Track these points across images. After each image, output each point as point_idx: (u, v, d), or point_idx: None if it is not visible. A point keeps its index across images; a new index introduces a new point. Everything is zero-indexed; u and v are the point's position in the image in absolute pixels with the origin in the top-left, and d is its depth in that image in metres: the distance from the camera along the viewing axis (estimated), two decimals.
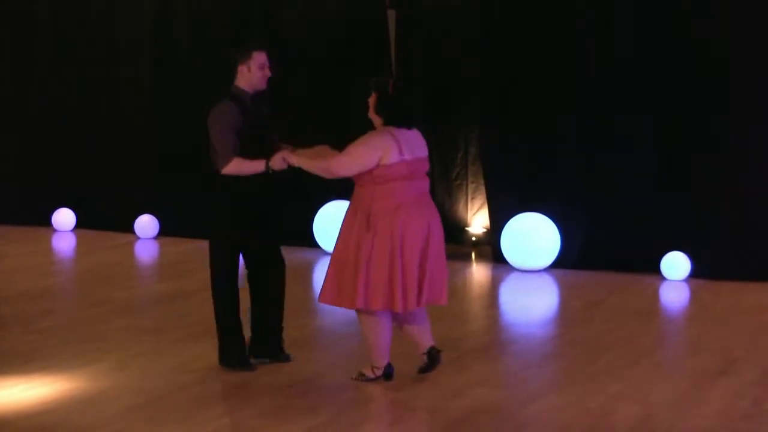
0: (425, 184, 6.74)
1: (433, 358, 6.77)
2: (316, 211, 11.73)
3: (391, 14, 12.25)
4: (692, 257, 10.43)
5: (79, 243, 12.84)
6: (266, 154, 6.88)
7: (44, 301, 9.38)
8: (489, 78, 11.39)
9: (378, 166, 6.49)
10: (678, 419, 6.16)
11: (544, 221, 10.91)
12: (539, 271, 10.93)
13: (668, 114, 10.63)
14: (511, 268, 11.02)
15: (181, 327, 8.34)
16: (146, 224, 12.92)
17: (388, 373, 6.79)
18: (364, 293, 6.50)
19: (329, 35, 12.13)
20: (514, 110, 11.25)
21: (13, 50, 13.91)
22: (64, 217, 13.40)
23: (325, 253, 11.74)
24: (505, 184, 11.36)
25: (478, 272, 11.25)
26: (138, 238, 12.90)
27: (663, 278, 10.46)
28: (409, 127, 6.74)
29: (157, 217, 12.97)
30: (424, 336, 6.83)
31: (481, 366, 7.33)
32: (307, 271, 11.16)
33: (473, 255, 11.88)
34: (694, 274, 10.43)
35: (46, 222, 13.47)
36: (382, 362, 6.78)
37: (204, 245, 12.26)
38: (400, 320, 6.78)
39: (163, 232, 12.96)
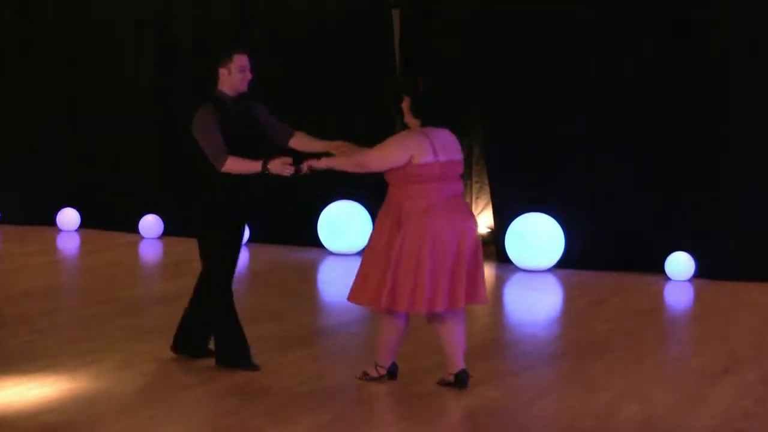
0: (459, 186, 6.64)
1: (461, 382, 6.65)
2: (321, 211, 11.74)
3: (395, 13, 12.26)
4: (696, 257, 10.43)
5: (84, 242, 12.85)
6: (249, 158, 6.92)
7: (48, 300, 9.39)
8: (493, 78, 11.40)
9: (410, 164, 6.43)
10: (681, 419, 6.16)
11: (548, 221, 10.91)
12: (543, 271, 10.93)
13: (670, 114, 10.63)
14: (515, 268, 11.03)
15: None
16: (150, 224, 12.93)
17: (392, 372, 6.79)
18: (390, 294, 6.43)
19: (332, 34, 12.14)
20: (517, 110, 11.25)
21: (16, 51, 13.92)
22: (68, 217, 13.42)
23: (330, 252, 11.75)
24: (509, 184, 11.37)
25: None
26: (142, 237, 12.92)
27: (667, 278, 10.47)
28: (445, 125, 6.66)
29: (161, 217, 12.98)
30: (458, 354, 6.67)
31: (485, 365, 7.32)
32: (312, 270, 11.17)
33: None
34: (698, 274, 10.43)
35: (51, 221, 13.48)
36: (387, 362, 6.77)
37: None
38: (437, 325, 6.68)
39: (167, 232, 12.97)
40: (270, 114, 7.23)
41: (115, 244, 12.59)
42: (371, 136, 11.85)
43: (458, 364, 6.65)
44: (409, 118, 6.63)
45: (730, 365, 7.32)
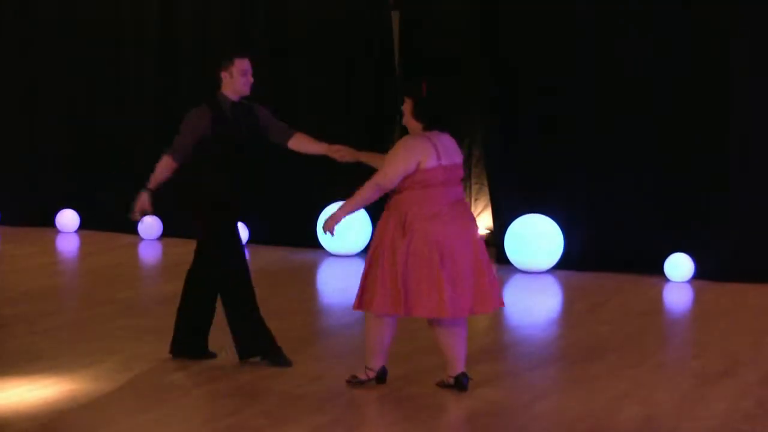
0: (460, 190, 6.61)
1: (460, 385, 6.63)
2: (320, 212, 11.74)
3: (395, 15, 12.27)
4: (695, 259, 10.43)
5: (83, 244, 12.86)
6: (240, 163, 7.11)
7: (48, 301, 9.38)
8: (492, 79, 11.40)
9: (417, 170, 6.38)
10: (681, 420, 6.16)
11: (547, 223, 10.91)
12: (543, 272, 10.94)
13: (670, 115, 10.64)
14: (515, 269, 11.03)
15: None
16: (150, 225, 12.93)
17: (381, 376, 6.72)
18: (405, 301, 6.38)
19: (332, 36, 12.14)
20: (517, 112, 11.26)
21: (17, 53, 13.92)
22: (67, 218, 13.42)
23: (328, 254, 11.75)
24: (508, 186, 11.37)
25: None
26: (141, 238, 12.92)
27: (666, 279, 10.47)
28: (446, 129, 6.61)
29: (160, 218, 12.98)
30: (458, 358, 6.65)
31: (485, 367, 7.32)
32: (311, 271, 11.17)
33: None
34: (698, 275, 10.44)
35: (50, 223, 13.49)
36: (377, 364, 6.70)
37: None
38: (438, 328, 6.65)
39: (167, 233, 12.97)
40: (271, 115, 7.25)
41: (115, 245, 12.59)
42: (371, 136, 11.97)
43: (459, 367, 6.63)
44: (409, 121, 6.57)
45: (730, 366, 7.32)
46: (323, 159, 7.30)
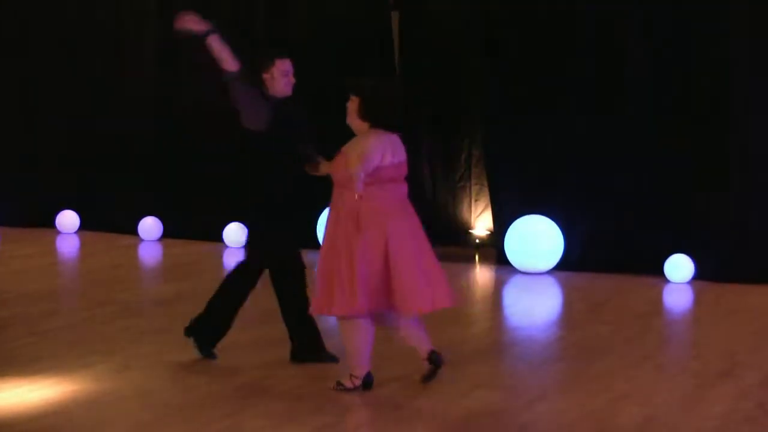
0: (406, 188, 6.66)
1: (434, 361, 6.66)
2: (320, 213, 11.74)
3: (395, 15, 12.27)
4: (695, 259, 10.43)
5: (83, 245, 12.86)
6: (289, 159, 7.07)
7: (48, 302, 9.39)
8: (492, 79, 11.41)
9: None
10: (681, 421, 6.16)
11: (547, 223, 10.92)
12: (543, 273, 10.94)
13: (670, 115, 10.64)
14: (515, 270, 11.04)
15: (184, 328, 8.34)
16: (150, 226, 12.95)
17: (367, 383, 6.66)
18: (363, 298, 6.41)
19: (333, 37, 12.15)
20: (517, 112, 11.26)
21: (17, 52, 13.93)
22: (67, 219, 13.43)
23: None
24: (508, 186, 11.37)
25: (482, 274, 11.26)
26: (141, 239, 12.93)
27: (666, 280, 10.47)
28: (395, 129, 6.61)
29: (160, 219, 12.99)
30: (422, 341, 6.71)
31: (484, 368, 7.33)
32: (310, 272, 11.15)
33: (477, 257, 11.90)
34: (698, 276, 10.44)
35: (50, 224, 13.49)
36: (362, 371, 6.65)
37: (207, 248, 12.35)
38: (396, 325, 6.70)
39: (167, 234, 12.98)
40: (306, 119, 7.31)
41: (115, 246, 12.60)
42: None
43: (426, 347, 6.66)
44: (353, 120, 6.57)
45: (730, 368, 7.32)
46: None
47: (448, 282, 6.74)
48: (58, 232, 13.44)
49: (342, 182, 6.51)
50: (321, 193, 11.41)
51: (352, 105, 6.55)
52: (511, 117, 11.30)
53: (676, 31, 10.57)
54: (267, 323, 7.97)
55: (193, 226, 12.85)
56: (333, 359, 7.24)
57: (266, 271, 7.31)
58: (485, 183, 11.97)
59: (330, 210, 6.63)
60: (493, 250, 11.68)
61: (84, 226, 13.49)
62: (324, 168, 6.86)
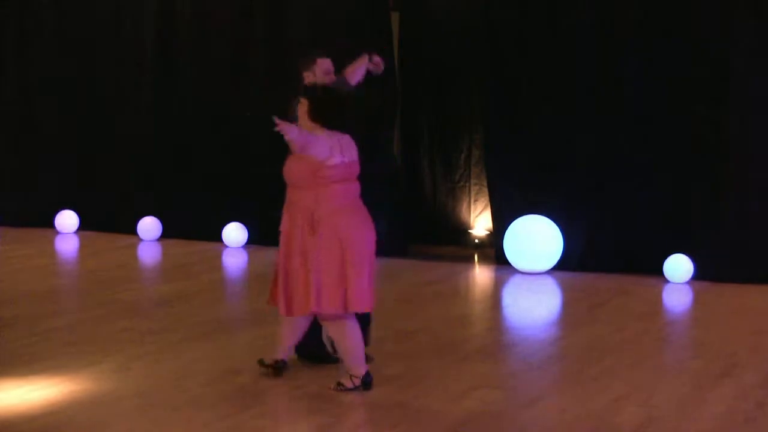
0: (358, 187, 6.73)
1: (366, 384, 6.70)
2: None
3: (395, 16, 12.26)
4: (695, 260, 10.44)
5: (83, 245, 12.86)
6: None
7: (48, 302, 9.39)
8: (492, 80, 11.41)
9: (324, 165, 6.49)
10: (680, 421, 6.16)
11: (546, 223, 10.92)
12: (542, 273, 10.94)
13: (669, 115, 10.64)
14: (514, 271, 11.04)
15: (184, 328, 8.35)
16: (149, 226, 12.94)
17: (366, 382, 6.66)
18: (317, 296, 6.48)
19: (333, 36, 12.13)
20: (516, 112, 11.26)
21: (16, 52, 13.93)
22: (67, 219, 13.43)
23: None
24: (507, 187, 11.37)
25: (481, 274, 11.26)
26: (141, 239, 12.92)
27: (666, 281, 10.48)
28: (346, 130, 6.70)
29: (159, 219, 12.99)
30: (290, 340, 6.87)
31: (484, 368, 7.33)
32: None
33: (476, 257, 11.90)
34: (697, 276, 10.44)
35: (50, 224, 13.49)
36: (360, 371, 6.66)
37: (206, 248, 12.35)
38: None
39: (166, 234, 12.98)
40: None
41: (114, 246, 12.60)
42: (370, 137, 11.95)
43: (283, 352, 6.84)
44: (304, 122, 6.62)
45: (729, 368, 7.32)
46: None
47: (363, 288, 6.64)
48: (58, 232, 13.44)
49: (295, 182, 6.60)
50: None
51: (302, 108, 6.65)
52: (511, 117, 11.30)
53: (676, 32, 10.57)
54: (267, 323, 7.97)
55: (193, 226, 12.84)
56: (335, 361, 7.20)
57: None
58: (484, 183, 11.97)
59: (284, 211, 6.71)
60: (493, 250, 11.68)
61: (83, 226, 13.48)
62: (288, 130, 6.59)
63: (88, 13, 13.55)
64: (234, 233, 12.37)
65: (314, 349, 7.22)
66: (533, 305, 9.89)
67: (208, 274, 10.78)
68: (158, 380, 6.89)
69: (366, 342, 7.04)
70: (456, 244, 12.38)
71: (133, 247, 12.57)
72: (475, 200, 12.29)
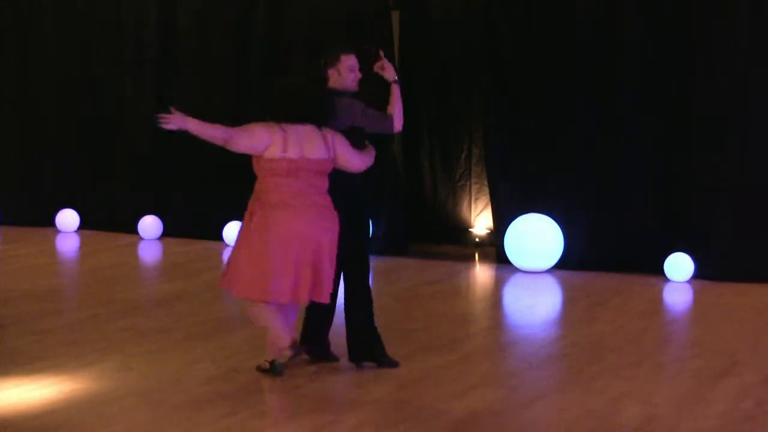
0: (313, 184, 6.74)
1: (274, 370, 6.86)
2: None
3: (395, 15, 12.27)
4: (695, 258, 10.44)
5: (83, 244, 12.86)
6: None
7: (48, 301, 9.38)
8: (492, 79, 11.41)
9: (262, 157, 6.66)
10: (681, 420, 6.16)
11: (547, 222, 10.92)
12: (542, 272, 10.94)
13: (669, 115, 10.64)
14: (515, 269, 11.04)
15: (184, 327, 8.35)
16: (150, 225, 12.94)
17: (274, 368, 6.84)
18: (234, 279, 6.76)
19: (333, 36, 12.13)
20: (516, 112, 11.27)
21: (16, 52, 13.93)
22: (67, 218, 13.43)
23: None
24: (508, 185, 11.38)
25: (482, 273, 11.27)
26: (141, 238, 12.93)
27: (666, 279, 10.48)
28: (303, 122, 6.77)
29: (160, 218, 12.99)
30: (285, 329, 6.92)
31: (485, 367, 7.33)
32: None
33: (476, 256, 11.91)
34: (698, 275, 10.45)
35: (50, 223, 13.49)
36: (269, 356, 6.85)
37: (207, 246, 12.35)
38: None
39: (167, 233, 12.98)
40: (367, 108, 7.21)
41: (115, 245, 12.60)
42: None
43: (292, 332, 6.84)
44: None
45: (730, 367, 7.33)
46: None
47: (322, 282, 6.74)
48: (58, 231, 13.44)
49: (255, 172, 6.79)
50: None
51: None
52: (511, 116, 11.30)
53: (675, 32, 10.57)
54: None
55: (193, 224, 12.85)
56: (394, 364, 7.17)
57: None
58: (485, 182, 11.98)
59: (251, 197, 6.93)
60: (493, 249, 11.69)
61: (84, 225, 13.49)
62: (180, 122, 6.71)
63: (88, 12, 13.55)
64: (234, 232, 12.35)
65: (370, 350, 7.18)
66: (534, 304, 9.89)
67: (208, 273, 10.77)
68: (158, 379, 6.89)
69: (319, 340, 7.16)
70: (457, 242, 12.39)
71: (134, 246, 12.57)
72: (476, 199, 12.29)
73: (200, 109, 12.72)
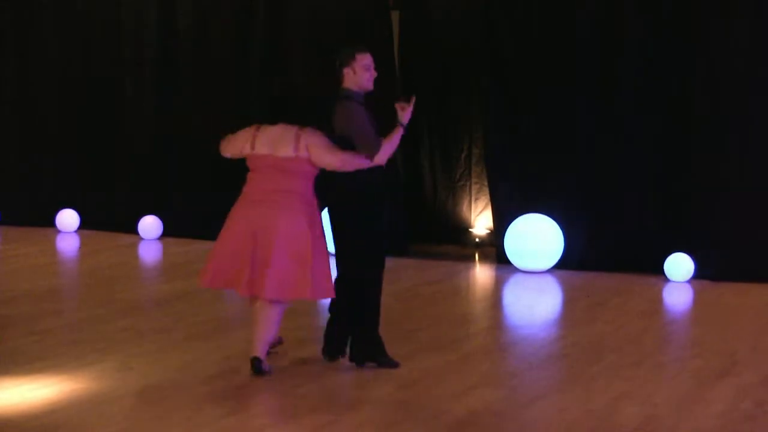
0: (278, 181, 6.88)
1: (253, 368, 6.91)
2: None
3: (395, 15, 12.27)
4: (695, 258, 10.44)
5: (83, 244, 12.86)
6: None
7: (48, 301, 9.39)
8: (492, 79, 11.41)
9: (240, 155, 7.09)
10: (681, 420, 6.16)
11: (547, 222, 10.92)
12: (543, 272, 10.94)
13: (669, 115, 10.64)
14: (515, 269, 11.04)
15: (184, 327, 8.36)
16: (150, 225, 12.94)
17: (253, 366, 6.90)
18: (203, 269, 7.14)
19: (332, 36, 12.14)
20: (516, 111, 11.27)
21: (16, 52, 13.93)
22: (67, 218, 13.43)
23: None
24: (508, 186, 11.38)
25: (482, 273, 11.27)
26: (141, 238, 12.93)
27: (666, 279, 10.48)
28: (272, 122, 6.99)
29: (160, 218, 12.99)
30: (255, 338, 6.98)
31: (485, 367, 7.33)
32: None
33: (476, 256, 11.91)
34: (697, 275, 10.45)
35: (50, 223, 13.49)
36: (251, 353, 6.95)
37: (207, 246, 12.34)
38: (255, 306, 6.99)
39: (167, 233, 12.98)
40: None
41: (115, 245, 12.60)
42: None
43: (253, 350, 6.92)
44: None
45: (730, 367, 7.33)
46: None
47: (265, 278, 6.79)
48: (58, 231, 13.44)
49: None
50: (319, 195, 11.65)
51: None
52: (511, 116, 11.30)
53: (675, 32, 10.57)
54: None
55: (193, 224, 12.84)
56: (394, 364, 7.16)
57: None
58: (485, 182, 11.98)
59: None
60: (493, 249, 11.69)
61: (84, 225, 13.49)
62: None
63: (88, 12, 13.55)
64: None
65: (370, 351, 7.15)
66: (534, 304, 9.89)
67: None
68: (158, 379, 6.89)
69: (340, 344, 7.16)
70: (457, 243, 12.39)
71: (134, 246, 12.57)
72: (476, 199, 12.29)
73: (200, 109, 12.88)
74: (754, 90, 10.35)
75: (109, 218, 13.40)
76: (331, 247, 7.07)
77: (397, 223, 11.79)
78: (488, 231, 12.09)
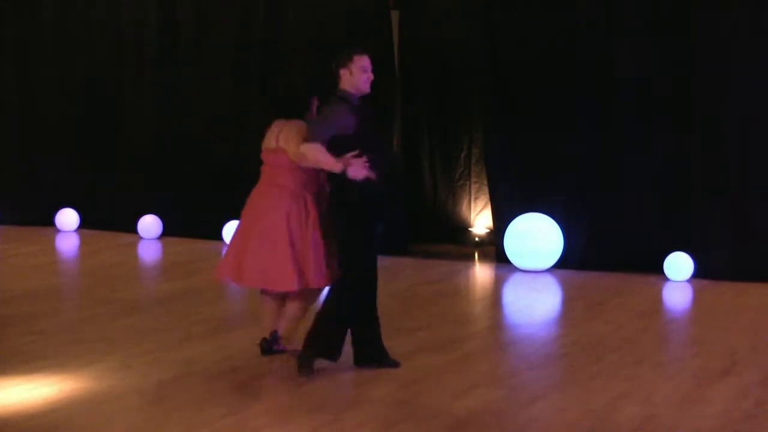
0: (270, 173, 7.19)
1: (261, 347, 7.35)
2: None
3: (395, 15, 12.27)
4: (695, 258, 10.44)
5: (83, 243, 12.86)
6: (375, 156, 6.85)
7: (48, 300, 9.39)
8: (492, 79, 11.41)
9: None
10: (680, 419, 6.16)
11: (547, 222, 10.92)
12: (542, 271, 10.94)
13: (669, 115, 10.65)
14: (515, 269, 11.04)
15: (184, 327, 8.36)
16: (149, 224, 12.95)
17: (260, 345, 7.35)
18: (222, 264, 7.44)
19: (332, 36, 12.15)
20: (516, 111, 11.27)
21: (16, 52, 13.93)
22: (67, 218, 13.43)
23: None
24: (508, 185, 11.38)
25: (481, 272, 11.27)
26: (141, 238, 12.93)
27: (666, 279, 10.48)
28: (276, 117, 7.30)
29: (159, 218, 12.99)
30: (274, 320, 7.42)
31: (484, 366, 7.33)
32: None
33: (476, 255, 11.91)
34: (697, 274, 10.45)
35: (50, 222, 13.49)
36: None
37: (207, 246, 12.36)
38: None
39: (166, 232, 12.98)
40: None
41: (114, 244, 12.61)
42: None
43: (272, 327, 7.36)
44: None
45: (729, 366, 7.33)
46: None
47: (270, 265, 7.00)
48: (58, 231, 13.44)
49: None
50: None
51: None
52: (511, 116, 11.30)
53: (675, 33, 10.57)
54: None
55: (193, 224, 12.85)
56: (395, 364, 7.16)
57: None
58: (485, 181, 11.98)
59: None
60: (493, 249, 11.69)
61: (84, 225, 13.49)
62: None
63: (88, 12, 13.55)
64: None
65: (371, 351, 7.15)
66: (533, 303, 9.89)
67: (208, 273, 10.76)
68: (158, 378, 6.89)
69: (368, 345, 7.14)
70: (456, 242, 12.40)
71: (134, 246, 12.58)
72: (476, 198, 12.30)
73: (200, 108, 12.89)
74: (754, 90, 10.35)
75: (109, 218, 13.40)
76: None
77: (397, 223, 11.80)
78: (488, 230, 12.10)
